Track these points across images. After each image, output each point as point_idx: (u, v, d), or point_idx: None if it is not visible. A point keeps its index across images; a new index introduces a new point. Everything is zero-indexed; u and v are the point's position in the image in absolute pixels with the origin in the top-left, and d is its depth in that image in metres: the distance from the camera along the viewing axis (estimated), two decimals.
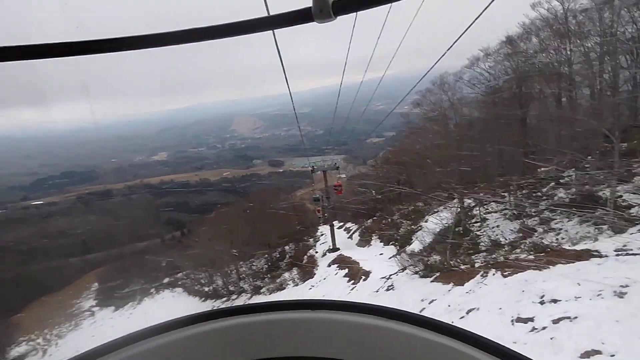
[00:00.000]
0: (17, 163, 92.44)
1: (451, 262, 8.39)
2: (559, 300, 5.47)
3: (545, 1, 14.36)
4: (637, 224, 6.76)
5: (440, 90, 18.95)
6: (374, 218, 17.98)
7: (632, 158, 8.96)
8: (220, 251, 22.53)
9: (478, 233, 10.21)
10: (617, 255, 5.93)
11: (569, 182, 9.62)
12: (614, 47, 12.20)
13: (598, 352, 4.20)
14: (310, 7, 0.58)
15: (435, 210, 13.75)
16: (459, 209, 11.52)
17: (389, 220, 16.07)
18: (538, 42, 15.30)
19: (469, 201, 12.49)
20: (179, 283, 26.59)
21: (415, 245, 12.13)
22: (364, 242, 16.98)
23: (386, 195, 17.74)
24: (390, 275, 10.79)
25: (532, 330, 5.19)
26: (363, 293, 10.82)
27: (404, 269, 10.49)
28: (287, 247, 22.67)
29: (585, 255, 6.24)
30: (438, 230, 11.63)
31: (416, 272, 9.68)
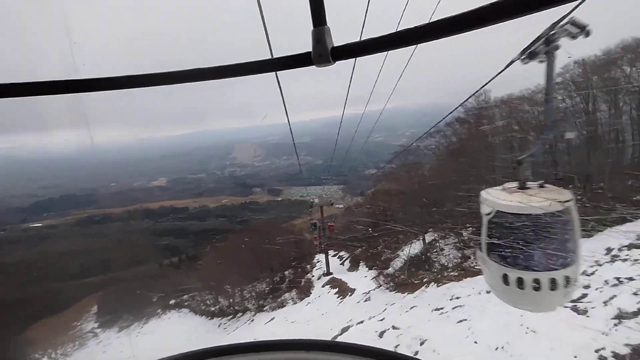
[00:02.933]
0: (17, 185, 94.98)
1: (409, 279, 12.24)
2: (460, 297, 9.31)
3: None
4: None
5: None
6: (362, 248, 21.82)
7: None
8: (225, 276, 26.02)
9: (434, 259, 14.05)
10: None
11: None
12: None
13: (466, 320, 8.02)
14: (310, 52, 0.66)
15: (411, 242, 17.66)
16: (424, 242, 15.51)
17: (374, 250, 19.92)
18: None
19: (435, 235, 16.44)
20: (185, 304, 29.66)
21: (391, 269, 15.95)
22: (353, 267, 20.80)
23: (372, 228, 21.60)
24: (369, 290, 14.57)
25: (441, 313, 8.99)
26: (348, 304, 14.55)
27: (379, 286, 14.29)
28: (286, 272, 26.22)
29: (479, 271, 10.20)
30: (406, 258, 15.49)
31: (387, 288, 13.50)
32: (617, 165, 11.04)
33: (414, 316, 9.73)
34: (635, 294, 5.94)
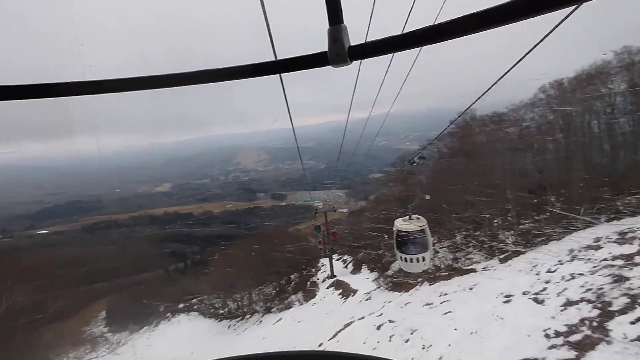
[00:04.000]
0: (24, 192, 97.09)
1: (405, 280, 13.70)
2: (447, 294, 10.77)
3: None
4: (505, 253, 12.15)
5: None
6: (364, 252, 23.25)
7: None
8: (233, 280, 27.54)
9: (433, 259, 15.54)
10: (483, 270, 11.33)
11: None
12: None
13: (450, 312, 9.48)
14: (326, 52, 0.65)
15: None
16: None
17: (376, 253, 21.33)
18: None
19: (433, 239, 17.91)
20: (194, 307, 31.17)
21: (390, 272, 17.39)
22: (356, 270, 22.26)
23: (373, 233, 23.07)
24: (370, 291, 16.03)
25: (430, 307, 10.45)
26: (351, 304, 16.03)
27: (379, 287, 15.76)
28: (292, 276, 27.71)
29: (469, 271, 11.65)
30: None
31: (386, 288, 14.96)
32: (590, 173, 12.45)
33: (407, 311, 11.20)
34: (581, 286, 7.40)
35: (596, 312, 6.44)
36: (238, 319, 24.73)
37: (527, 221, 13.28)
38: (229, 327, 24.77)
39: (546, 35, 2.66)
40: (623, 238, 8.65)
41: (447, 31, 0.58)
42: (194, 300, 32.89)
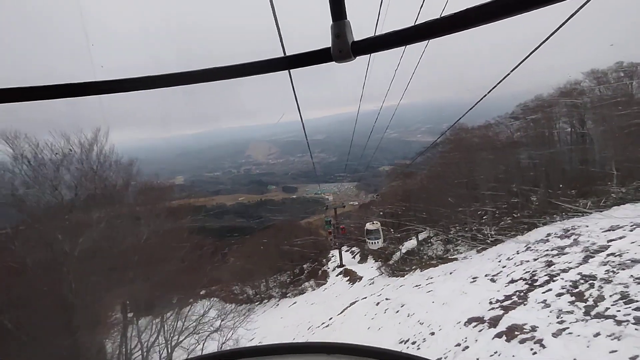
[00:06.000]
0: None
1: (403, 267, 16.67)
2: (432, 277, 13.68)
3: None
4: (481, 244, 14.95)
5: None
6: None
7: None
8: (250, 269, 30.91)
9: (424, 252, 18.40)
10: (462, 259, 14.21)
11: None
12: None
13: (432, 291, 12.40)
14: (329, 48, 0.66)
15: (410, 238, 22.03)
16: (417, 239, 19.96)
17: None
18: None
19: (430, 233, 20.76)
20: (215, 294, 34.71)
21: (392, 261, 20.39)
22: (363, 260, 25.33)
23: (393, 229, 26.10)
24: (374, 277, 19.05)
25: (418, 288, 13.37)
26: (356, 288, 19.10)
27: (381, 274, 18.77)
28: (304, 266, 30.94)
29: (452, 260, 14.56)
30: (405, 250, 19.89)
31: (387, 274, 17.96)
32: (551, 180, 15.06)
33: (400, 291, 14.18)
34: (524, 270, 10.22)
35: (526, 286, 9.29)
36: (256, 303, 28.09)
37: (502, 221, 16.09)
38: (248, 310, 28.16)
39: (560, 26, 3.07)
40: (565, 234, 11.41)
41: (451, 24, 0.59)
42: (214, 287, 36.52)
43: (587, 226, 11.59)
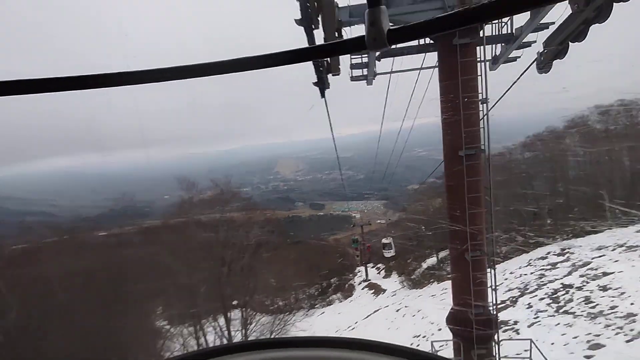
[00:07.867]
0: (85, 197, 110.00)
1: (422, 281, 18.92)
2: (446, 289, 15.87)
3: None
4: None
5: None
6: (394, 261, 28.50)
7: None
8: (280, 281, 33.72)
9: (443, 268, 20.49)
10: None
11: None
12: None
13: (445, 299, 14.68)
14: (363, 36, 0.63)
15: (431, 256, 24.18)
16: (437, 256, 22.14)
17: (404, 262, 26.49)
18: None
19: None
20: (248, 304, 37.61)
21: (414, 276, 22.59)
22: (387, 275, 27.51)
23: (405, 245, 28.28)
24: (396, 290, 21.34)
25: (432, 297, 15.63)
26: (380, 299, 21.43)
27: (403, 287, 21.04)
28: (332, 280, 33.40)
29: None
30: (426, 267, 22.07)
31: (408, 287, 20.24)
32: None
33: (418, 300, 16.51)
34: (521, 281, 12.41)
35: (519, 293, 11.54)
36: (287, 313, 30.71)
37: (513, 242, 18.16)
38: (280, 319, 30.84)
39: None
40: (561, 252, 13.50)
41: (484, 13, 0.58)
42: (247, 298, 39.47)
43: None
